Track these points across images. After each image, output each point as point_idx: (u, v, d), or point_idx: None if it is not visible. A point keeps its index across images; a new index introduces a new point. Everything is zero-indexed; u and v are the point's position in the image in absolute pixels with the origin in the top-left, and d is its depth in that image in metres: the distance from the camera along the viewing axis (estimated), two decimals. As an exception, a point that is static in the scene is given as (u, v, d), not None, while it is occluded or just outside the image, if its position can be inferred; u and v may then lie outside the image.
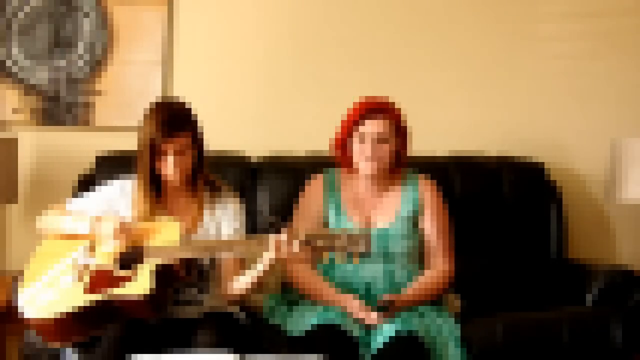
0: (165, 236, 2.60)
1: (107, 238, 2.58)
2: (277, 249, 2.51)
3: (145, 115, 2.65)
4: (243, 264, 2.70)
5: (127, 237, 2.57)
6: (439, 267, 2.94)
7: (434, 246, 2.96)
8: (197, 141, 2.68)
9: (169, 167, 2.63)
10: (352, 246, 2.46)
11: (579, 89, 3.69)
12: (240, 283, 2.68)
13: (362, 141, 2.90)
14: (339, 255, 2.49)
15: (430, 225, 2.97)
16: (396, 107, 2.95)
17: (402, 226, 2.93)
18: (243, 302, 2.83)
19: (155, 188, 2.70)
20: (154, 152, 2.61)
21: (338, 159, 3.01)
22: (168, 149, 2.61)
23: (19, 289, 2.62)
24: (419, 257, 2.97)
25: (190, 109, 2.70)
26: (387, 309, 2.73)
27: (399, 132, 2.95)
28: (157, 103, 2.71)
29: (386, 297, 2.76)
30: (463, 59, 3.66)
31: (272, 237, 2.52)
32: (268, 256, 2.57)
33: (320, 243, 2.48)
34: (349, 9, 3.63)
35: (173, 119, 2.62)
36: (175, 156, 2.62)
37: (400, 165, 3.00)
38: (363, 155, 2.90)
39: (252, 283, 2.66)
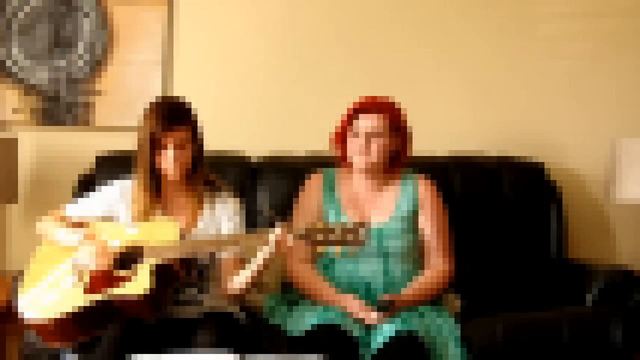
0: (165, 236, 2.60)
1: (89, 263, 2.58)
2: (276, 244, 2.51)
3: (145, 113, 2.66)
4: (242, 262, 2.70)
5: (108, 261, 2.58)
6: (438, 267, 2.94)
7: (433, 245, 2.97)
8: (196, 137, 2.70)
9: (169, 161, 2.63)
10: (350, 236, 2.46)
11: (579, 89, 3.69)
12: (239, 280, 2.67)
13: (356, 136, 2.92)
14: (337, 245, 2.48)
15: (428, 225, 2.97)
16: (395, 105, 2.97)
17: (399, 223, 2.94)
18: (242, 300, 2.83)
19: (155, 185, 2.70)
20: (154, 146, 2.62)
21: (336, 156, 3.03)
22: (168, 142, 2.62)
23: (19, 290, 2.62)
24: (417, 256, 2.98)
25: (189, 105, 2.73)
26: (387, 309, 2.74)
27: (397, 130, 2.96)
28: (155, 101, 2.74)
29: (386, 296, 2.77)
30: (463, 59, 3.66)
31: (271, 233, 2.53)
32: (266, 251, 2.57)
33: (318, 236, 2.48)
34: (349, 9, 3.63)
35: (172, 113, 2.64)
36: (175, 150, 2.63)
37: (398, 164, 3.01)
38: (357, 150, 2.92)
39: (251, 279, 2.66)
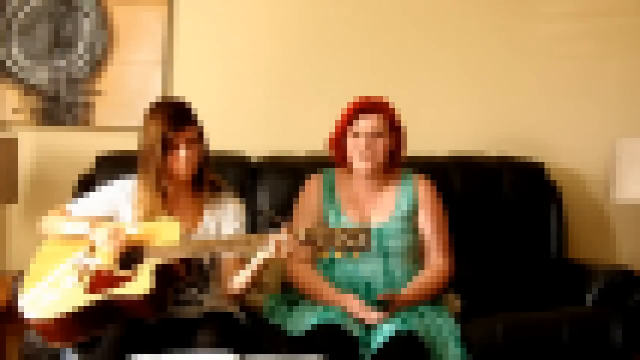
0: (165, 236, 2.60)
1: (101, 245, 2.59)
2: (277, 247, 2.51)
3: (148, 114, 2.66)
4: (243, 262, 2.70)
5: (120, 244, 2.58)
6: (437, 266, 2.94)
7: (432, 244, 2.97)
8: (201, 137, 2.71)
9: (181, 160, 2.64)
10: (351, 242, 2.46)
11: (579, 89, 3.69)
12: (239, 280, 2.67)
13: (356, 136, 2.92)
14: (339, 251, 2.48)
15: (427, 224, 2.97)
16: (390, 105, 2.97)
17: (398, 223, 2.94)
18: (242, 300, 2.83)
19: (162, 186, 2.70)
20: (166, 147, 2.62)
21: (335, 158, 3.02)
22: (180, 142, 2.63)
23: (20, 290, 2.62)
24: (417, 255, 2.98)
25: (192, 106, 2.73)
26: (387, 307, 2.73)
27: (394, 129, 2.96)
28: (158, 102, 2.74)
29: (385, 295, 2.76)
30: (463, 59, 3.66)
31: (272, 236, 2.52)
32: (266, 252, 2.55)
33: (320, 240, 2.48)
34: (349, 9, 3.63)
35: (180, 113, 2.66)
36: (187, 149, 2.64)
37: (396, 163, 3.01)
38: (357, 152, 2.91)
39: (251, 279, 2.65)
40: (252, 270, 2.63)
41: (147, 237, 2.61)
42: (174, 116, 2.63)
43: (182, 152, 2.64)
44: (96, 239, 2.60)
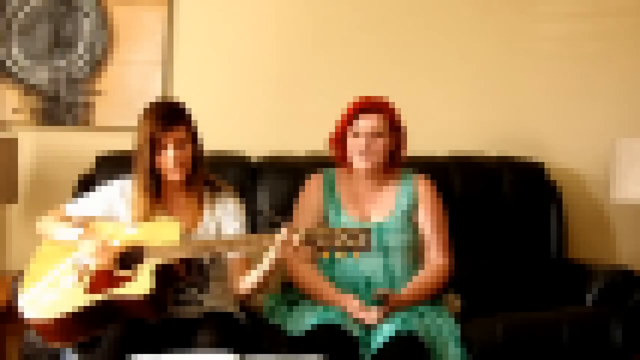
0: (165, 236, 2.60)
1: (88, 257, 2.59)
2: (280, 248, 2.51)
3: (142, 115, 2.67)
4: (249, 263, 2.71)
5: (108, 257, 2.58)
6: (436, 262, 2.95)
7: (430, 241, 2.97)
8: (194, 137, 2.70)
9: (169, 161, 2.63)
10: (351, 242, 2.46)
11: (579, 89, 3.69)
12: (251, 279, 2.67)
13: (357, 136, 2.93)
14: (339, 251, 2.48)
15: (425, 220, 2.98)
16: (391, 105, 2.97)
17: (398, 221, 2.94)
18: (248, 301, 2.84)
19: (155, 187, 2.70)
20: (154, 147, 2.62)
21: (335, 157, 3.03)
22: (168, 142, 2.63)
23: (20, 289, 2.62)
24: (417, 252, 2.98)
25: (186, 106, 2.73)
26: (383, 302, 2.73)
27: (394, 129, 2.97)
28: (152, 102, 2.75)
29: (383, 291, 2.76)
30: (463, 59, 3.66)
31: (274, 236, 2.52)
32: (271, 255, 2.57)
33: (320, 241, 2.48)
34: (349, 9, 3.64)
35: (170, 113, 2.66)
36: (175, 149, 2.63)
37: (396, 163, 3.02)
38: (357, 150, 2.92)
39: (259, 282, 2.66)
40: (264, 270, 2.63)
41: (147, 237, 2.61)
42: (163, 116, 2.63)
43: (170, 152, 2.63)
44: (83, 251, 2.60)
